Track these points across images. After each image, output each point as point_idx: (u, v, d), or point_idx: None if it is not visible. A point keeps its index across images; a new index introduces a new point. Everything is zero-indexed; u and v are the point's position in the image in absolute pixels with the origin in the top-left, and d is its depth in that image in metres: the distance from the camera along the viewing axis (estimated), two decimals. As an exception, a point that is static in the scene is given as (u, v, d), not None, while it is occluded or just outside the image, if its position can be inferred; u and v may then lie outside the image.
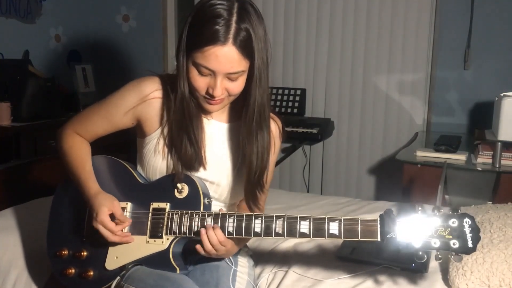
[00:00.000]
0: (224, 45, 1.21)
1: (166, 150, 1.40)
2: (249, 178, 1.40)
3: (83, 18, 4.11)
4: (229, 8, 1.23)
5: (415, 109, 3.40)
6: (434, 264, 1.58)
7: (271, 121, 1.45)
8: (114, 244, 1.38)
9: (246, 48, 1.24)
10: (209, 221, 1.33)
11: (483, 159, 2.62)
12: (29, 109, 3.18)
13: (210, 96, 1.29)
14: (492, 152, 2.60)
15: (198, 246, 1.33)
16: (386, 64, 3.42)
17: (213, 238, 1.31)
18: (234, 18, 1.22)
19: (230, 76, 1.26)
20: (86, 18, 4.12)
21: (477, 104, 3.25)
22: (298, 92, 3.51)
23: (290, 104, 3.50)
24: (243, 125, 1.35)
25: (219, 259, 1.46)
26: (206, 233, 1.31)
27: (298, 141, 3.40)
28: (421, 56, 3.33)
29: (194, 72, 1.28)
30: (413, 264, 1.53)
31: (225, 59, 1.23)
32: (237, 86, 1.29)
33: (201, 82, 1.28)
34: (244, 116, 1.34)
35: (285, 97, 3.51)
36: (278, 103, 3.50)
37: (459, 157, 2.66)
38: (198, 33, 1.24)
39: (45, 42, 3.85)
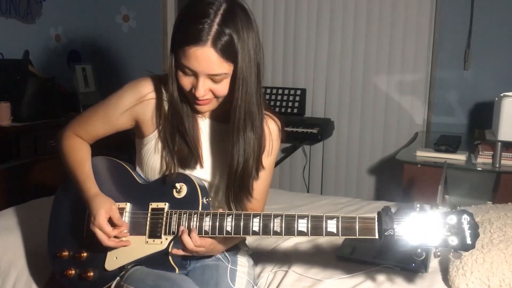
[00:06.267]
0: (203, 46, 1.20)
1: (164, 152, 1.40)
2: (228, 180, 1.39)
3: (83, 18, 4.11)
4: (216, 8, 1.21)
5: (415, 109, 3.40)
6: (434, 264, 1.58)
7: (271, 121, 1.45)
8: (115, 247, 1.38)
9: (227, 51, 1.21)
10: (207, 220, 1.32)
11: (483, 159, 2.62)
12: (29, 109, 3.18)
13: (195, 96, 1.28)
14: (492, 152, 2.60)
15: (174, 250, 1.33)
16: (386, 64, 3.42)
17: (189, 244, 1.30)
18: (217, 20, 1.20)
19: (213, 78, 1.25)
20: (86, 18, 4.13)
21: (477, 104, 3.25)
22: (298, 92, 3.52)
23: (290, 104, 3.50)
24: (230, 128, 1.34)
25: (219, 257, 1.47)
26: (182, 237, 1.30)
27: (298, 141, 3.40)
28: (421, 56, 3.33)
29: (179, 72, 1.27)
30: (413, 264, 1.53)
31: (204, 60, 1.21)
32: (222, 89, 1.28)
33: (186, 82, 1.28)
34: (230, 118, 1.33)
35: (285, 97, 3.52)
36: (278, 103, 3.51)
37: (459, 157, 2.66)
38: (182, 31, 1.23)
39: (45, 42, 3.85)
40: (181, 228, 1.32)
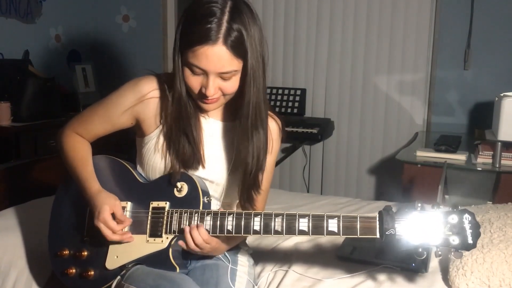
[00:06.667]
0: (214, 44, 1.20)
1: (165, 149, 1.40)
2: (244, 178, 1.40)
3: (83, 18, 4.11)
4: (222, 7, 1.22)
5: (415, 109, 3.40)
6: (434, 264, 1.58)
7: (272, 120, 1.46)
8: (114, 243, 1.38)
9: (237, 48, 1.22)
10: (208, 219, 1.33)
11: (483, 159, 2.62)
12: (29, 109, 3.18)
13: (204, 96, 1.28)
14: (492, 152, 2.60)
15: (181, 242, 1.34)
16: (386, 64, 3.42)
17: (198, 239, 1.31)
18: (226, 17, 1.21)
19: (223, 76, 1.26)
20: (86, 18, 4.13)
21: (477, 104, 3.25)
22: (298, 92, 3.52)
23: (290, 104, 3.50)
24: (238, 125, 1.35)
25: (219, 257, 1.48)
26: (190, 232, 1.31)
27: (298, 141, 3.40)
28: (421, 56, 3.34)
29: (187, 71, 1.27)
30: (413, 264, 1.53)
31: (215, 58, 1.22)
32: (231, 86, 1.28)
33: (194, 82, 1.28)
34: (240, 115, 1.33)
35: (285, 97, 3.52)
36: (278, 103, 3.51)
37: (459, 157, 2.66)
38: (190, 32, 1.23)
39: (45, 42, 3.85)
40: (186, 228, 1.32)
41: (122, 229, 1.37)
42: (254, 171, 1.38)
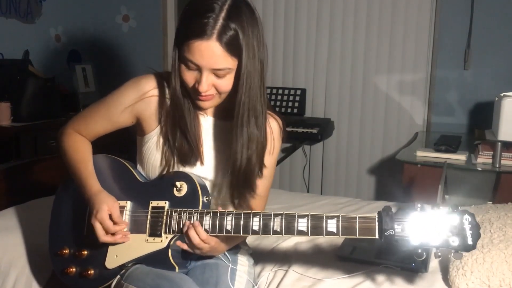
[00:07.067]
0: (208, 39, 1.20)
1: (165, 147, 1.40)
2: (232, 176, 1.38)
3: (83, 18, 4.11)
4: (221, 4, 1.22)
5: (415, 109, 3.40)
6: (434, 264, 1.58)
7: (273, 120, 1.46)
8: (112, 243, 1.38)
9: (232, 46, 1.22)
10: (207, 219, 1.33)
11: (483, 159, 2.62)
12: (29, 109, 3.18)
13: (197, 92, 1.28)
14: (492, 152, 2.60)
15: (178, 242, 1.34)
16: (386, 64, 3.42)
17: (195, 238, 1.30)
18: (223, 14, 1.21)
19: (216, 73, 1.25)
20: (86, 18, 4.13)
21: (477, 104, 3.25)
22: (298, 92, 3.52)
23: (290, 104, 3.50)
24: (232, 124, 1.34)
25: (219, 256, 1.48)
26: (188, 232, 1.31)
27: (298, 141, 3.40)
28: (421, 56, 3.34)
29: (182, 66, 1.28)
30: (413, 264, 1.53)
31: (209, 54, 1.22)
32: (226, 84, 1.28)
33: (188, 77, 1.28)
34: (233, 114, 1.32)
35: (285, 97, 3.52)
36: (278, 103, 3.51)
37: (459, 157, 2.66)
38: (187, 25, 1.24)
39: (45, 42, 3.85)
40: (187, 223, 1.32)
41: (118, 230, 1.36)
42: (243, 171, 1.36)
